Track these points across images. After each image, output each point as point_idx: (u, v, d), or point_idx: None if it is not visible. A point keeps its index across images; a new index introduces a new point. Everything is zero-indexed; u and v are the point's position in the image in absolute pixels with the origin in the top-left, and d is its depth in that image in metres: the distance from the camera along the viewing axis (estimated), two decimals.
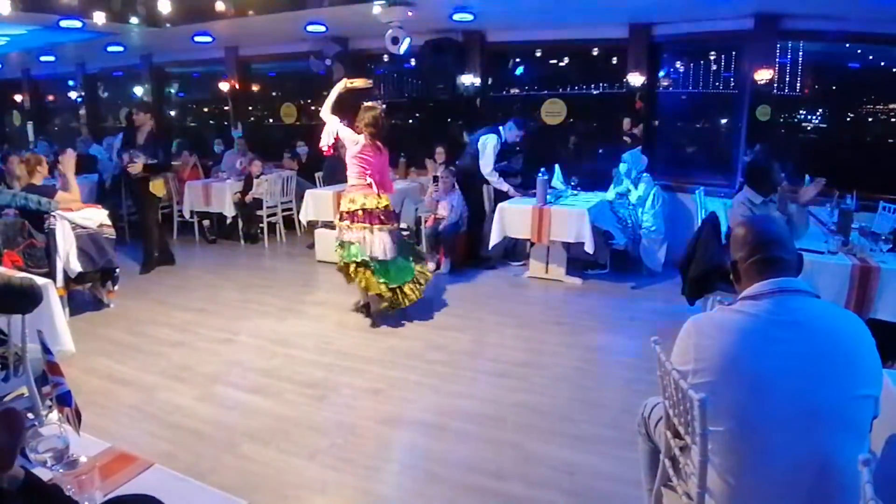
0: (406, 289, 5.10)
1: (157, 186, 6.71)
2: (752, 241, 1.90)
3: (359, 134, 4.97)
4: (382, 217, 5.00)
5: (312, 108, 10.50)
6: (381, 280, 4.98)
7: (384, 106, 5.41)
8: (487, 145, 6.63)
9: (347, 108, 5.30)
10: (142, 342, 4.84)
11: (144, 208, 6.84)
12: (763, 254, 1.87)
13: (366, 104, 5.13)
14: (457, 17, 6.94)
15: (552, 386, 4.02)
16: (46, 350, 1.91)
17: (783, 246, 1.89)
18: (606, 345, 4.71)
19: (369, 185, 5.00)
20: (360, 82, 5.09)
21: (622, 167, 6.70)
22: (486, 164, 6.65)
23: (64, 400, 1.72)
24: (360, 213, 4.96)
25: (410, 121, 9.85)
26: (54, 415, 1.98)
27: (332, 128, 5.00)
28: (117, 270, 5.62)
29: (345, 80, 5.11)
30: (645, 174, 6.54)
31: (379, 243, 4.95)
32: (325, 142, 5.06)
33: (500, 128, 6.70)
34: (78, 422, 1.79)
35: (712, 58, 7.21)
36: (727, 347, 1.78)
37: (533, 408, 3.73)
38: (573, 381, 4.08)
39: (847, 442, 1.67)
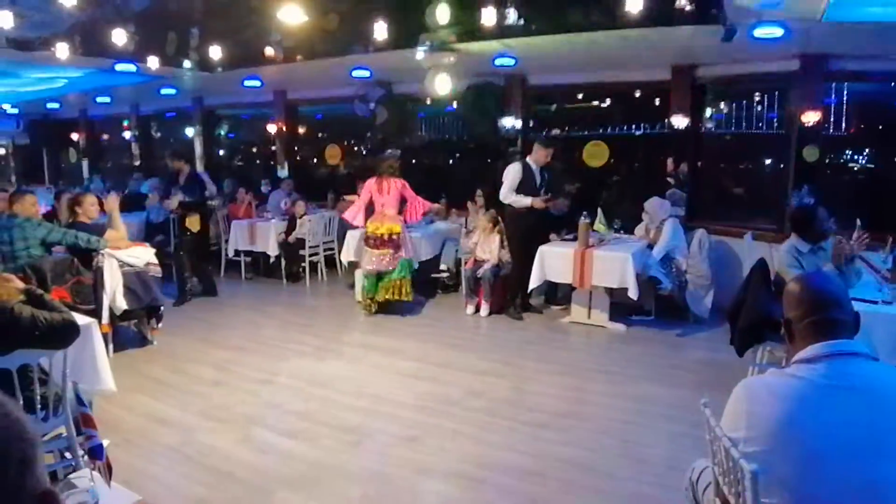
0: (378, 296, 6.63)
1: (192, 222, 7.16)
2: (808, 302, 1.80)
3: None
4: (378, 241, 6.55)
5: (356, 149, 10.69)
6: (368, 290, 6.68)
7: (388, 152, 7.06)
8: (509, 172, 6.44)
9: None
10: (182, 381, 4.88)
11: (181, 242, 7.30)
12: (819, 315, 1.77)
13: (386, 152, 7.01)
14: (498, 62, 6.99)
15: (595, 439, 3.88)
16: (80, 402, 1.90)
17: (840, 306, 1.79)
18: (652, 395, 4.55)
19: (380, 214, 6.59)
20: None
21: (644, 216, 6.60)
22: (503, 189, 6.42)
23: (95, 453, 1.71)
24: (365, 233, 6.66)
25: (451, 161, 9.90)
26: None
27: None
28: (162, 308, 5.72)
29: None
30: (670, 218, 6.40)
31: (368, 259, 6.60)
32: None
33: (527, 157, 6.55)
34: (109, 475, 1.77)
35: (757, 98, 7.07)
36: (780, 415, 1.67)
37: (575, 462, 3.60)
38: (617, 435, 3.94)
39: None
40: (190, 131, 11.71)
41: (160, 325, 5.80)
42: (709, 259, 6.33)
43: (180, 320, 6.45)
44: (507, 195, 6.42)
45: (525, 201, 6.35)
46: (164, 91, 9.93)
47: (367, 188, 6.72)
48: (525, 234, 6.44)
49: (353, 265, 7.60)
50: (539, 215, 6.44)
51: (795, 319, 1.83)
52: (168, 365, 5.22)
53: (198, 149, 11.40)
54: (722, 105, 7.40)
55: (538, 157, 6.45)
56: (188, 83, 9.14)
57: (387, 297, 6.60)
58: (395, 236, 6.55)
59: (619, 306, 6.37)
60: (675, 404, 4.33)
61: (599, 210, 6.93)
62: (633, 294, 5.82)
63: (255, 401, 4.51)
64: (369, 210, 6.76)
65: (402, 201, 6.72)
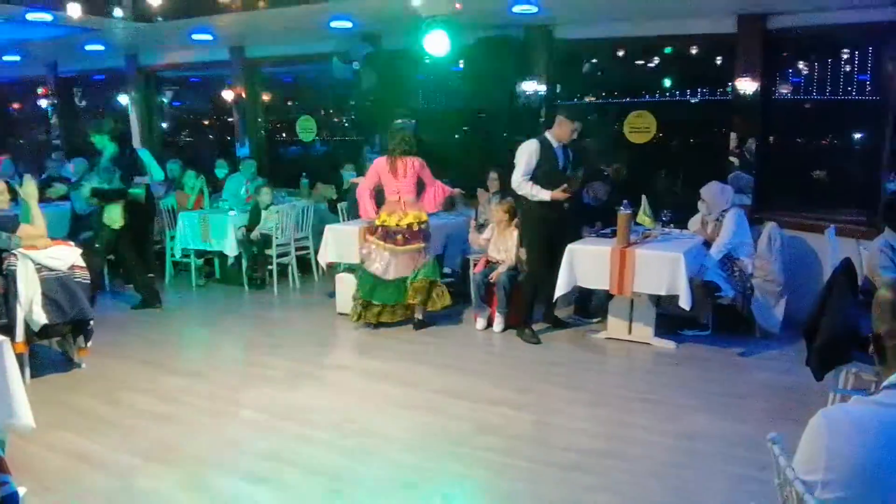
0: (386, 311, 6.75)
1: (110, 216, 7.10)
2: None
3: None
4: (404, 236, 6.57)
5: (335, 119, 10.71)
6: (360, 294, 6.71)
7: (413, 122, 6.77)
8: (522, 153, 6.36)
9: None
10: (119, 413, 4.92)
11: (100, 242, 7.30)
12: None
13: (395, 123, 6.40)
14: (517, 8, 7.00)
15: (638, 484, 3.92)
16: None
17: None
18: (707, 430, 4.57)
19: (396, 202, 6.63)
20: None
21: (701, 206, 6.64)
22: (516, 174, 6.35)
23: (10, 502, 1.76)
24: (379, 229, 6.61)
25: (457, 136, 9.91)
26: None
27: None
28: (91, 323, 5.74)
29: None
30: (733, 208, 6.44)
31: (381, 261, 6.57)
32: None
33: (546, 133, 6.46)
34: None
35: (845, 56, 7.09)
36: (867, 453, 1.70)
37: None
38: (665, 479, 3.97)
39: None
40: (124, 99, 11.74)
41: (90, 343, 5.83)
42: (781, 259, 6.36)
43: (116, 338, 6.48)
44: (521, 183, 6.33)
45: (542, 195, 6.26)
46: (89, 47, 9.96)
47: (375, 170, 6.79)
48: (545, 229, 6.40)
49: (333, 268, 7.64)
50: (564, 206, 6.42)
51: (887, 335, 1.85)
52: (100, 394, 5.25)
53: (134, 121, 11.44)
54: (801, 65, 7.41)
55: (561, 132, 6.36)
56: (120, 37, 9.16)
57: (419, 301, 6.66)
58: (423, 226, 6.70)
59: (668, 318, 6.41)
60: (736, 441, 4.36)
61: (644, 198, 6.93)
62: (685, 303, 5.82)
63: (209, 438, 4.54)
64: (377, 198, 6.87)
65: (419, 185, 6.78)
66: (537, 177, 6.32)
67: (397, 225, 6.59)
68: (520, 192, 6.42)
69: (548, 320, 6.84)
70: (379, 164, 6.75)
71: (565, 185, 6.25)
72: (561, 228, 6.43)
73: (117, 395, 5.24)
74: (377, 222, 6.68)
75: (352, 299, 6.86)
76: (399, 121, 6.93)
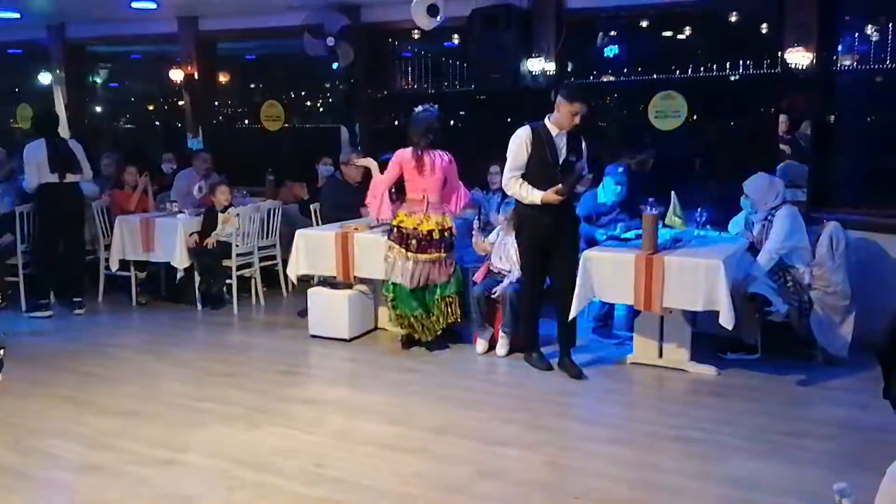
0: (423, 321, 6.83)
1: None
2: None
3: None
4: (423, 242, 6.64)
5: (308, 104, 10.67)
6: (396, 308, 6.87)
7: (423, 109, 6.82)
8: (511, 143, 6.24)
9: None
10: (34, 464, 4.84)
11: None
12: None
13: (416, 110, 6.83)
14: None
15: None
16: None
17: None
18: (757, 476, 4.51)
19: (420, 202, 6.74)
20: None
21: (744, 203, 6.65)
22: (505, 172, 6.27)
23: None
24: (395, 231, 6.75)
25: (452, 124, 9.91)
26: None
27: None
28: (2, 351, 5.67)
29: None
30: (785, 205, 6.38)
31: (401, 269, 6.69)
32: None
33: (546, 119, 6.28)
34: None
35: None
36: None
37: None
38: None
39: None
40: (45, 78, 11.67)
41: None
42: (846, 266, 6.31)
43: (32, 371, 6.42)
44: (508, 181, 6.22)
45: (532, 196, 6.10)
46: (2, 14, 9.92)
47: (398, 163, 6.82)
48: (539, 235, 6.28)
49: (305, 282, 7.58)
50: (568, 207, 6.33)
51: None
52: (11, 440, 5.16)
53: (59, 104, 11.35)
54: (868, 29, 7.36)
55: (562, 117, 6.16)
56: (41, 3, 9.12)
57: (450, 320, 6.86)
58: (447, 234, 6.79)
59: (707, 339, 6.38)
60: (793, 491, 4.29)
61: (673, 195, 6.93)
62: (726, 321, 5.76)
63: (149, 494, 4.43)
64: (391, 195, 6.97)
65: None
66: (529, 173, 6.19)
67: (415, 229, 6.67)
68: (508, 193, 6.38)
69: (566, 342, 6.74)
70: (403, 158, 6.78)
71: (559, 186, 6.04)
72: (559, 234, 6.28)
73: (32, 442, 5.13)
74: (394, 222, 6.77)
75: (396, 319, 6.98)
76: (420, 108, 6.83)
